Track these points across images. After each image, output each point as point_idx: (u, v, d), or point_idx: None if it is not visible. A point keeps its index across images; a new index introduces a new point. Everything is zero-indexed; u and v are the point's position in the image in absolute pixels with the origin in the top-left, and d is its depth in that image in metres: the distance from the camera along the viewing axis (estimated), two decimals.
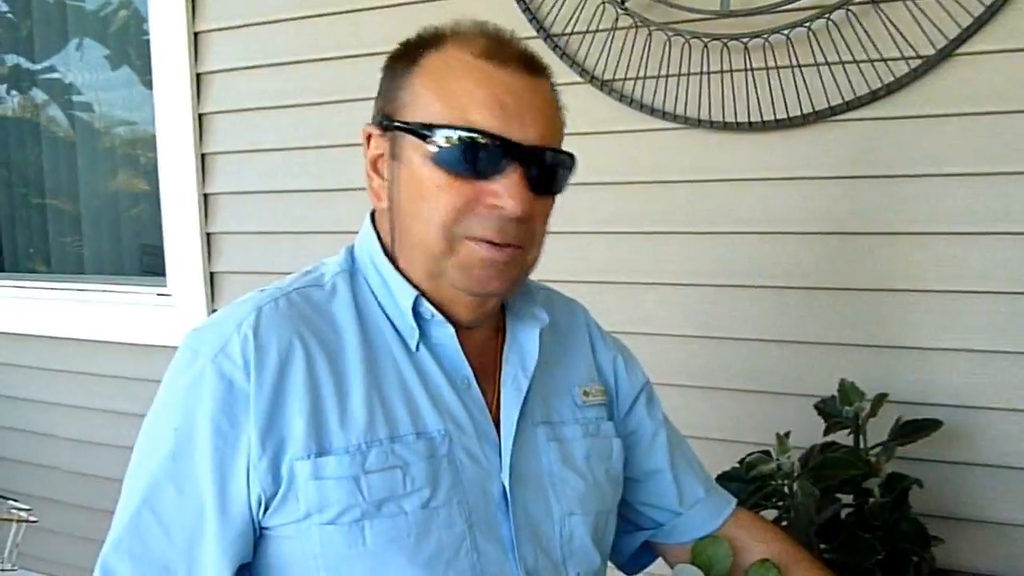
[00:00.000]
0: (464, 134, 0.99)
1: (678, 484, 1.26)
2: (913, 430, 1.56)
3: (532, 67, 1.05)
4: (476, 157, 1.00)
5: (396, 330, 1.07)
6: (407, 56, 1.06)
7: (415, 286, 1.07)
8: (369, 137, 1.08)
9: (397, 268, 1.08)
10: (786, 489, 1.48)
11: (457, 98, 1.01)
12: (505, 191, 1.00)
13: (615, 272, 1.93)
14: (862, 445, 1.56)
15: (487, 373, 1.12)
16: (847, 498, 1.53)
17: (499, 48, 1.03)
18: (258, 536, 1.01)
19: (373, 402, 1.02)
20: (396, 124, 1.04)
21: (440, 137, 0.99)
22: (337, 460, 0.98)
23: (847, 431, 1.57)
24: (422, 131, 1.01)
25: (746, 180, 1.85)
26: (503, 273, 1.05)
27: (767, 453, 1.51)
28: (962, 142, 1.67)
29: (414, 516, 1.00)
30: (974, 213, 1.67)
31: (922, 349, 1.73)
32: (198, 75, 2.49)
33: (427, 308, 1.06)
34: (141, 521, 0.98)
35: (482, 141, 0.99)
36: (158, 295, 2.64)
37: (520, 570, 1.06)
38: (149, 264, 2.79)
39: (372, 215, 1.14)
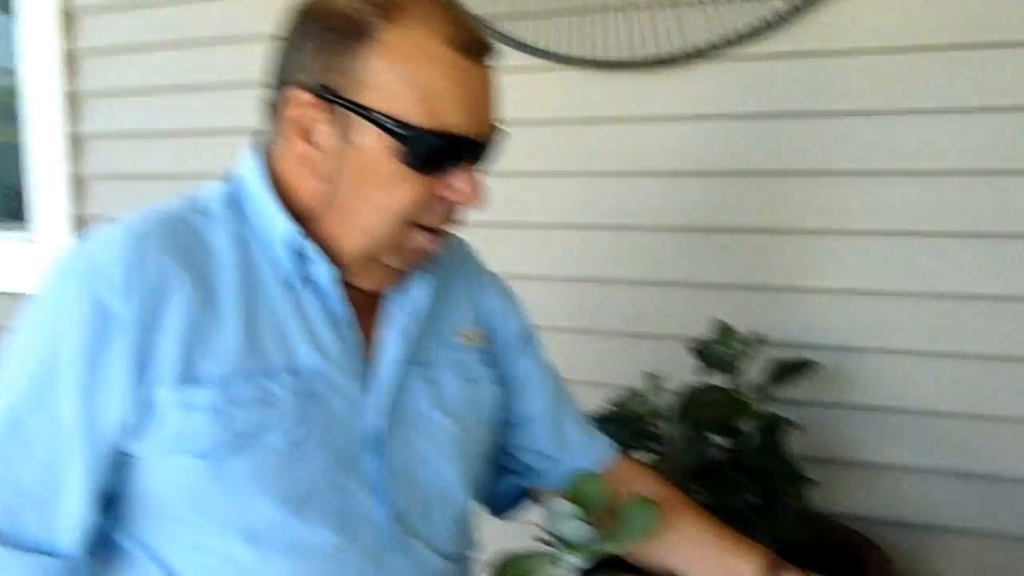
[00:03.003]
0: (443, 141, 0.98)
1: (557, 430, 1.25)
2: (790, 371, 1.55)
3: (491, 55, 1.03)
4: (444, 159, 1.00)
5: (276, 264, 1.04)
6: (355, 25, 0.98)
7: (330, 252, 1.04)
8: (291, 97, 1.01)
9: (309, 231, 1.04)
10: (661, 431, 1.46)
11: (434, 97, 0.97)
12: (464, 184, 1.02)
13: (491, 215, 1.88)
14: (738, 387, 1.54)
15: (368, 313, 1.10)
16: (723, 440, 1.52)
17: (467, 36, 1.00)
18: (123, 464, 0.99)
19: (247, 335, 1.00)
20: (350, 104, 0.98)
21: (414, 139, 0.97)
22: (205, 391, 0.96)
23: (724, 373, 1.55)
24: (394, 128, 0.97)
25: (622, 120, 1.81)
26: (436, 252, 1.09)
27: (636, 393, 1.48)
28: (847, 81, 1.65)
29: (279, 453, 0.98)
30: (862, 154, 1.65)
31: (805, 291, 1.71)
32: (66, 10, 2.37)
33: (309, 247, 1.03)
34: (2, 444, 0.95)
35: (453, 144, 0.99)
36: (21, 240, 2.53)
37: (388, 512, 1.06)
38: (12, 208, 2.66)
39: (257, 145, 1.09)
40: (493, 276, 1.28)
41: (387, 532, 1.06)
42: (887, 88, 1.62)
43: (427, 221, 1.03)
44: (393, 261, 1.05)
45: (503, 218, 1.87)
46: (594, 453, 1.26)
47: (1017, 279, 1.57)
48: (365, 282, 1.08)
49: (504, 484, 1.28)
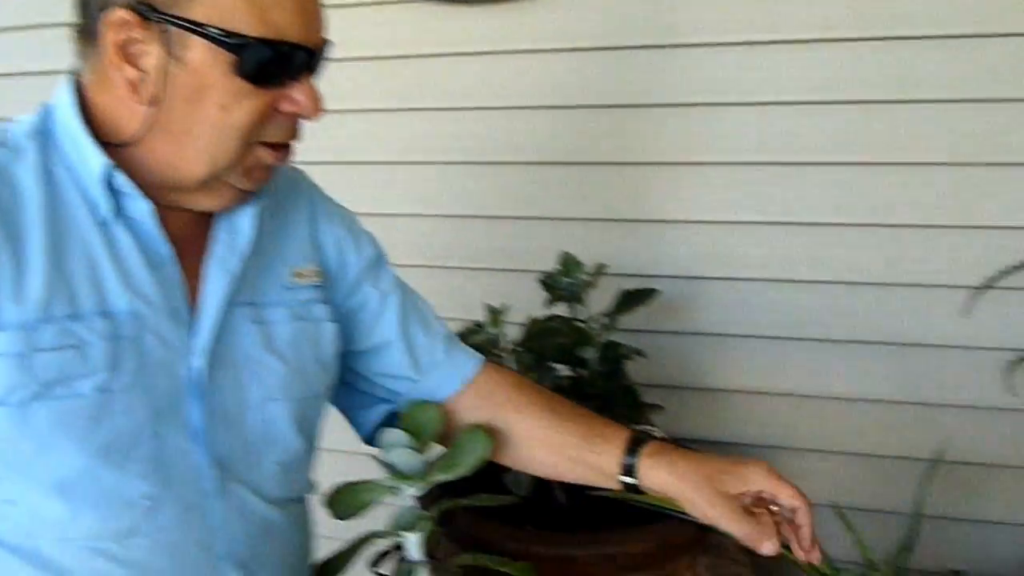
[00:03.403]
0: (278, 49, 0.94)
1: (411, 351, 1.22)
2: (633, 300, 1.58)
3: None
4: (282, 68, 0.96)
5: (90, 201, 0.97)
6: None
7: (155, 179, 0.99)
8: (110, 20, 0.94)
9: (134, 163, 0.98)
10: (504, 362, 1.47)
11: (265, 5, 0.93)
12: (303, 96, 0.98)
13: (340, 151, 1.87)
14: (583, 317, 1.57)
15: (193, 251, 1.04)
16: (567, 369, 1.54)
17: None
18: None
19: (54, 277, 0.93)
20: (176, 19, 0.92)
21: (248, 50, 0.92)
22: (7, 336, 0.89)
23: (569, 303, 1.58)
24: (226, 40, 0.92)
25: (471, 55, 1.81)
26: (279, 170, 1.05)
27: (479, 325, 1.50)
28: (693, 14, 1.67)
29: (88, 400, 0.92)
30: (707, 86, 1.68)
31: (651, 222, 1.75)
32: None
33: (123, 182, 0.97)
34: None
35: (289, 52, 0.95)
36: None
37: (208, 458, 1.02)
38: None
39: (72, 77, 1.01)
40: (335, 208, 1.23)
41: (208, 479, 1.02)
42: (732, 21, 1.65)
43: (269, 137, 0.99)
44: (238, 181, 1.00)
45: (352, 156, 1.86)
46: (457, 368, 1.24)
47: (857, 207, 1.63)
48: (208, 203, 1.02)
49: (371, 413, 1.26)
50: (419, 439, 1.12)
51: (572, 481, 1.23)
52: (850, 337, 1.66)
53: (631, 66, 1.72)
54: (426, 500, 1.16)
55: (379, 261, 1.25)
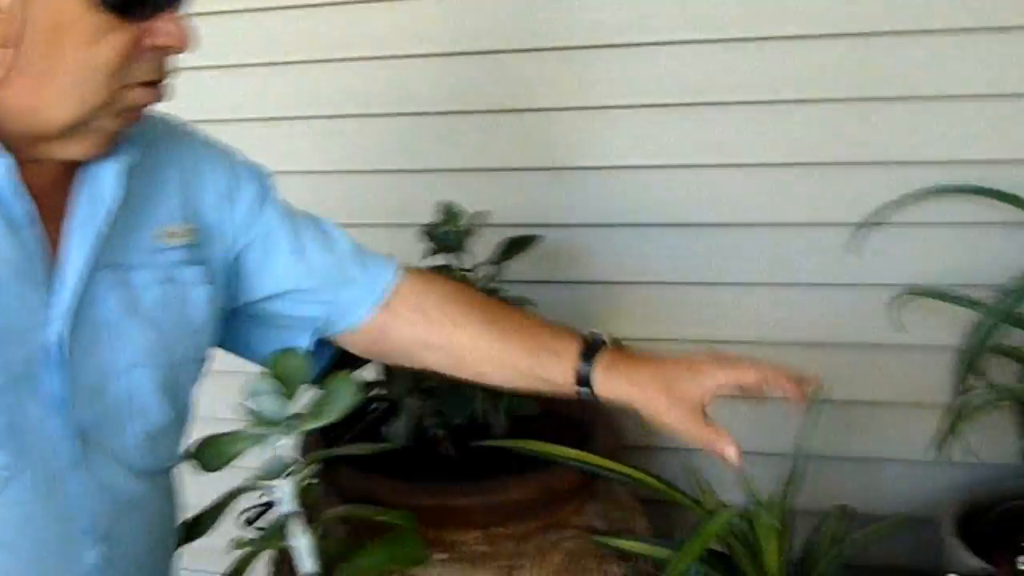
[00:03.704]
0: None
1: (316, 275, 1.16)
2: (516, 248, 1.55)
3: None
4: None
5: None
6: None
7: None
8: None
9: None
10: None
11: None
12: (171, 27, 0.91)
13: (215, 109, 1.78)
14: (467, 266, 1.53)
15: (55, 210, 0.97)
16: None
17: None
18: None
19: None
20: None
21: None
22: None
23: (452, 253, 1.54)
24: None
25: (344, 4, 1.75)
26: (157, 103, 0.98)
27: None
28: None
29: None
30: (600, 28, 1.64)
31: (539, 170, 1.72)
32: None
33: None
34: None
35: None
36: None
37: (69, 429, 0.96)
38: None
39: None
40: (215, 153, 1.15)
41: (68, 450, 0.96)
42: None
43: (139, 76, 0.92)
44: (110, 124, 0.94)
45: (229, 113, 1.80)
46: (374, 280, 1.18)
47: (744, 147, 1.62)
48: (78, 151, 0.94)
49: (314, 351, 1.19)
50: (287, 385, 1.08)
51: (527, 392, 1.21)
52: (740, 280, 1.65)
53: (512, 10, 1.68)
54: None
55: (264, 197, 1.17)
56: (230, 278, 1.14)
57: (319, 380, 1.24)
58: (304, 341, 1.19)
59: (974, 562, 1.26)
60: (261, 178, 1.18)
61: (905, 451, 1.56)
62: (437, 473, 1.43)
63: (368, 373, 1.47)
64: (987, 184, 1.46)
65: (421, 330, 1.17)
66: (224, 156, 1.16)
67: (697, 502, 1.36)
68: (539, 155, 1.71)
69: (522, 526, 1.35)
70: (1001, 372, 1.46)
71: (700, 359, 1.12)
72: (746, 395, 1.12)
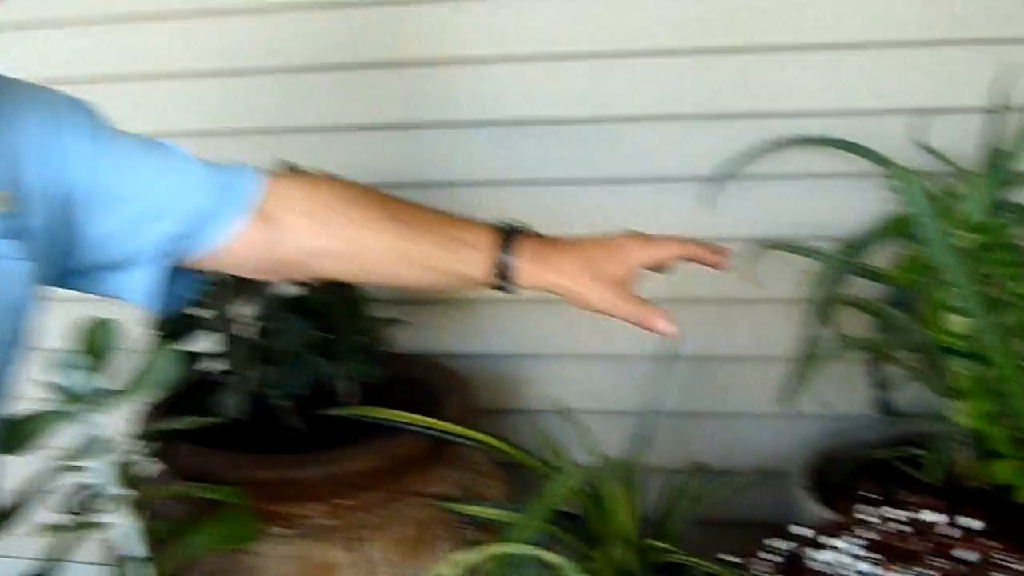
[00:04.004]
0: None
1: (163, 195, 1.05)
2: None
3: None
4: None
5: None
6: None
7: None
8: None
9: None
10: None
11: None
12: None
13: (60, 67, 1.67)
14: None
15: None
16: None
17: None
18: None
19: None
20: None
21: None
22: None
23: None
24: None
25: None
26: None
27: None
28: None
29: None
30: None
31: (388, 128, 1.66)
32: None
33: None
34: None
35: None
36: None
37: None
38: None
39: None
40: (40, 104, 1.03)
41: None
42: None
43: None
44: None
45: (77, 71, 1.68)
46: (232, 192, 1.07)
47: (590, 101, 1.58)
48: None
49: (164, 283, 1.08)
50: (96, 357, 1.01)
51: (443, 290, 1.14)
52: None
53: None
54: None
55: (94, 125, 1.06)
56: (65, 229, 1.03)
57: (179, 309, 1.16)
58: (159, 267, 1.07)
59: (824, 514, 1.25)
60: (86, 108, 1.07)
61: (759, 405, 1.55)
62: (285, 445, 1.37)
63: (204, 343, 1.40)
64: (836, 135, 1.45)
65: (313, 237, 1.08)
66: (48, 104, 1.04)
67: (546, 463, 1.32)
68: (405, 111, 1.64)
69: (369, 496, 1.31)
70: (852, 324, 1.46)
71: (620, 238, 1.09)
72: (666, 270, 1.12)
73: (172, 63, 1.70)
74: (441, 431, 1.33)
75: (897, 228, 1.20)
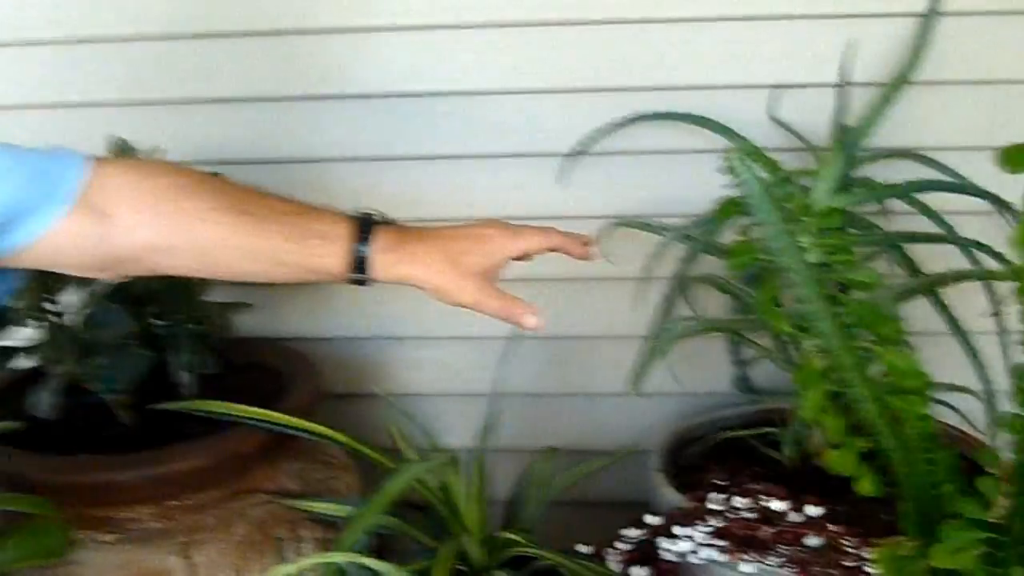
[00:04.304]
0: None
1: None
2: None
3: None
4: None
5: None
6: None
7: None
8: None
9: None
10: None
11: None
12: None
13: None
14: None
15: None
16: None
17: None
18: None
19: None
20: None
21: None
22: None
23: None
24: None
25: None
26: None
27: None
28: None
29: None
30: None
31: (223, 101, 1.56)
32: None
33: None
34: None
35: None
36: None
37: None
38: None
39: None
40: None
41: None
42: None
43: None
44: None
45: None
46: (56, 184, 0.95)
47: (440, 73, 1.50)
48: None
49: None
50: None
51: (295, 284, 1.05)
52: (455, 213, 1.55)
53: None
54: None
55: None
56: None
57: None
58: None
59: (676, 498, 1.23)
60: None
61: (615, 385, 1.51)
62: (119, 443, 1.28)
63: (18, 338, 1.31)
64: (694, 110, 1.41)
65: (146, 230, 0.97)
66: None
67: (391, 455, 1.27)
68: (248, 84, 1.54)
69: (202, 496, 1.24)
70: (708, 302, 1.43)
71: (485, 229, 1.05)
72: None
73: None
74: (279, 424, 1.26)
75: (736, 209, 1.17)
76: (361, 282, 1.02)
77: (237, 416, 1.26)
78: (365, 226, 1.01)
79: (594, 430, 1.62)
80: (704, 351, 1.52)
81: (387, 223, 1.04)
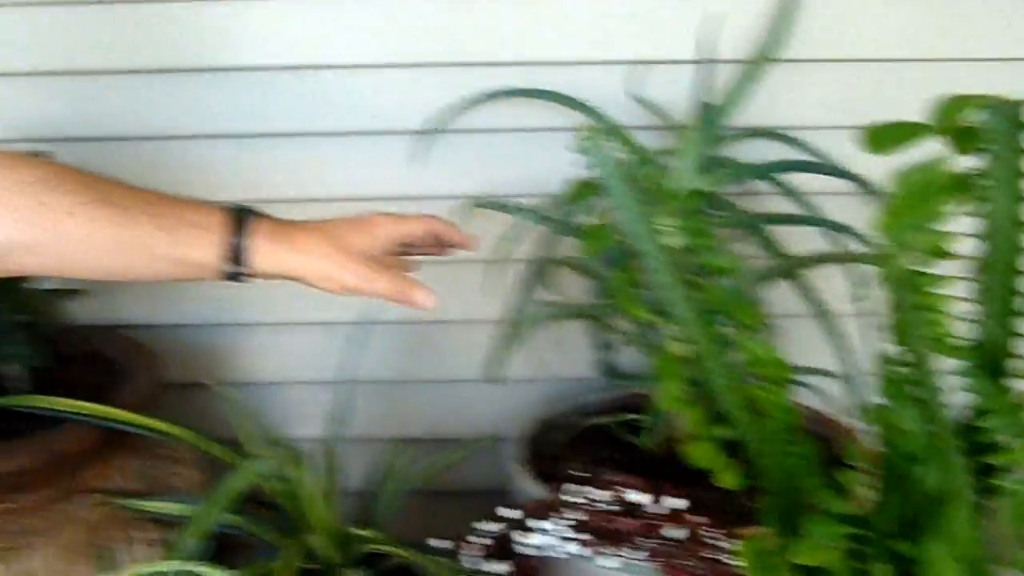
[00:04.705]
0: None
1: None
2: None
3: None
4: None
5: None
6: None
7: None
8: None
9: None
10: None
11: None
12: None
13: None
14: None
15: None
16: None
17: None
18: None
19: None
20: None
21: None
22: None
23: None
24: None
25: None
26: None
27: None
28: None
29: None
30: None
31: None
32: None
33: None
34: None
35: None
36: None
37: None
38: None
39: None
40: None
41: None
42: None
43: None
44: None
45: None
46: None
47: (317, 49, 1.42)
48: None
49: None
50: None
51: (170, 281, 0.99)
52: (312, 195, 1.47)
53: None
54: None
55: None
56: None
57: None
58: None
59: (535, 489, 1.18)
60: None
61: (473, 371, 1.46)
62: None
63: None
64: (552, 87, 1.36)
65: (11, 229, 0.88)
66: None
67: (234, 449, 1.20)
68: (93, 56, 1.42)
69: (29, 499, 1.15)
70: (570, 284, 1.39)
71: (365, 217, 1.01)
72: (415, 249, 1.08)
73: None
74: (115, 420, 1.17)
75: (589, 191, 1.13)
76: (238, 276, 0.94)
77: (69, 412, 1.17)
78: (242, 215, 0.94)
79: (453, 418, 1.57)
80: (567, 335, 1.48)
81: (264, 215, 0.97)
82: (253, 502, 1.17)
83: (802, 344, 1.16)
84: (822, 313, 1.22)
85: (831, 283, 1.23)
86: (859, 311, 1.24)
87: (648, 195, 0.84)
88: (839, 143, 1.20)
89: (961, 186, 0.68)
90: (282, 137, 1.44)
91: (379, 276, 0.97)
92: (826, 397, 1.26)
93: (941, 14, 1.38)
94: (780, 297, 1.23)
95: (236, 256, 0.93)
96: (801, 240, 1.27)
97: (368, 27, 1.39)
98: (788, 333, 1.36)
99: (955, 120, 0.67)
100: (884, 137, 0.69)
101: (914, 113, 0.70)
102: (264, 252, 0.94)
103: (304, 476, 1.16)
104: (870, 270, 1.21)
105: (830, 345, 1.23)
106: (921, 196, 0.68)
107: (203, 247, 0.92)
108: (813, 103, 1.42)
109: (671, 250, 0.80)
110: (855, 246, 1.22)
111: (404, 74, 1.41)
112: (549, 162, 1.41)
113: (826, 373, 1.23)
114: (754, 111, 1.31)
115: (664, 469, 1.27)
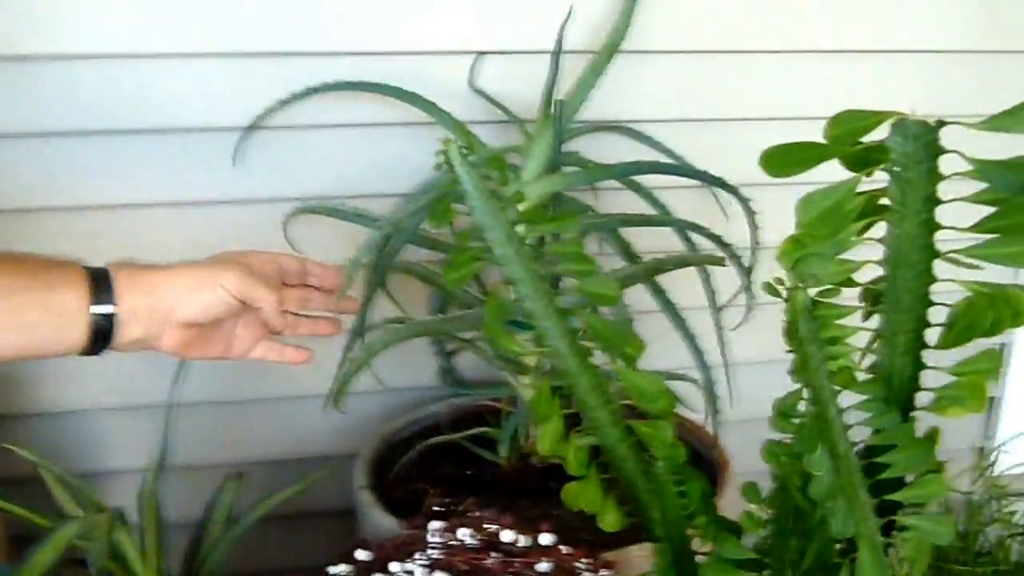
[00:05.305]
0: None
1: None
2: None
3: None
4: None
5: None
6: None
7: None
8: None
9: None
10: None
11: None
12: None
13: None
14: None
15: None
16: None
17: None
18: None
19: None
20: None
21: None
22: None
23: None
24: None
25: None
26: None
27: None
28: None
29: None
30: None
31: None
32: None
33: None
34: None
35: None
36: None
37: None
38: None
39: None
40: None
41: None
42: None
43: None
44: None
45: None
46: None
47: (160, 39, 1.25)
48: None
49: None
50: None
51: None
52: (111, 201, 1.31)
53: None
54: None
55: None
56: None
57: None
58: None
59: (388, 521, 1.10)
60: None
61: (314, 387, 1.34)
62: None
63: None
64: (393, 79, 1.25)
65: None
66: None
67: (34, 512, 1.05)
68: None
69: None
70: (405, 289, 1.30)
71: (223, 267, 0.96)
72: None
73: None
74: None
75: (449, 213, 1.05)
76: (109, 319, 0.87)
77: None
78: (96, 270, 0.89)
79: (289, 436, 1.45)
80: (406, 343, 1.38)
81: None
82: (74, 562, 1.04)
83: (654, 341, 1.11)
84: (677, 316, 1.19)
85: (681, 283, 1.21)
86: (711, 308, 1.22)
87: (504, 202, 0.76)
88: (685, 135, 1.22)
89: (869, 211, 0.62)
90: (87, 136, 1.28)
91: (258, 282, 0.95)
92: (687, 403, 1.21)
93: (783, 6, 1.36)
94: (631, 293, 1.19)
95: (103, 299, 0.87)
96: (653, 238, 1.23)
97: (188, 13, 1.24)
98: (640, 329, 1.31)
99: (855, 140, 0.62)
100: (782, 160, 0.63)
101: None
102: (125, 275, 0.89)
103: (126, 539, 1.03)
104: (725, 272, 1.18)
105: (687, 347, 1.20)
106: (825, 222, 0.62)
107: (71, 296, 0.85)
108: (659, 95, 1.37)
109: (543, 277, 0.72)
110: (706, 244, 1.18)
111: (230, 64, 1.26)
112: (385, 160, 1.31)
113: (683, 378, 1.20)
114: (602, 103, 1.26)
115: (520, 482, 1.22)
